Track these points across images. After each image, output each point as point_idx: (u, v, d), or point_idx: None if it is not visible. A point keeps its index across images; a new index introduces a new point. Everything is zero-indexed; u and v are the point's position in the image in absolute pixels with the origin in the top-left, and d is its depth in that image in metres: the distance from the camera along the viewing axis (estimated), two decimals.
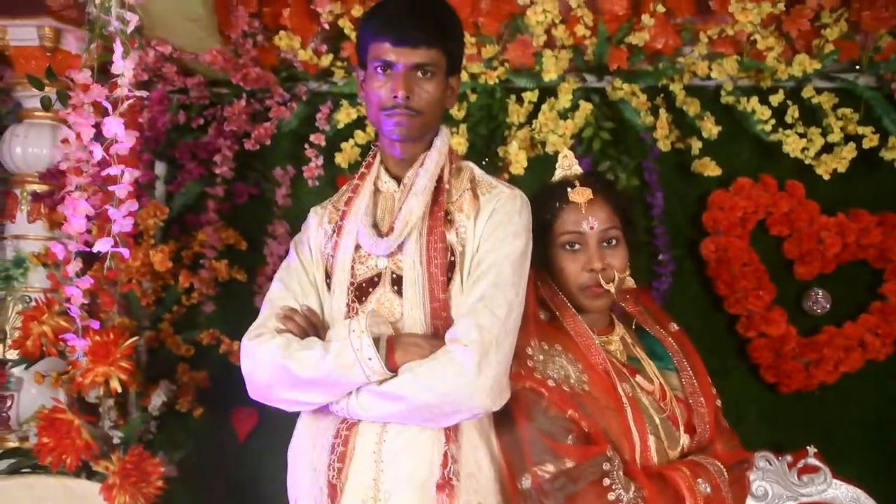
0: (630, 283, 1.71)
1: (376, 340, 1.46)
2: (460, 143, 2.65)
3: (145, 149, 2.70)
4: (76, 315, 1.94)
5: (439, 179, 1.61)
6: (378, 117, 1.58)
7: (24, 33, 2.59)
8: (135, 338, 2.22)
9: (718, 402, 1.71)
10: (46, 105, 2.24)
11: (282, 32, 2.71)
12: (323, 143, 2.75)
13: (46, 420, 2.14)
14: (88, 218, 1.87)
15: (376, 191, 1.65)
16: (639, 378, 1.63)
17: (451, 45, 1.60)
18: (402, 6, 1.56)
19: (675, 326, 1.78)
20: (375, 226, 1.60)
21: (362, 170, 1.69)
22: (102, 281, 2.26)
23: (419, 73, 1.54)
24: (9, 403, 2.55)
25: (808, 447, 2.38)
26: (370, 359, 1.44)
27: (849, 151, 2.60)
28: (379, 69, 1.55)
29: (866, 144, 2.61)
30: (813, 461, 2.39)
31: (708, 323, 2.68)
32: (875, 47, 2.64)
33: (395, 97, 1.53)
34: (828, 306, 2.68)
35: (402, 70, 1.53)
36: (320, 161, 2.75)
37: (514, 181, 2.52)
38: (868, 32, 2.65)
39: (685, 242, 2.72)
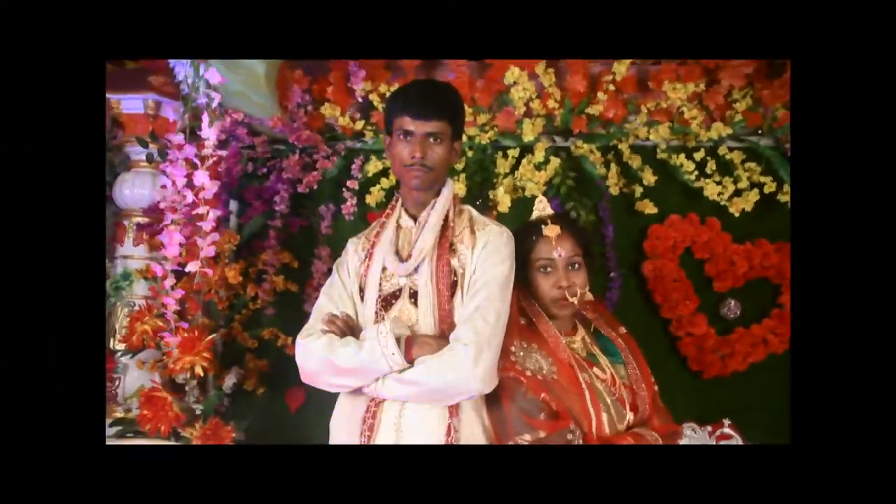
0: (589, 296, 1.72)
1: (398, 340, 1.48)
2: (460, 188, 2.63)
3: (222, 191, 2.66)
4: (171, 318, 1.95)
5: (445, 219, 1.62)
6: (401, 171, 1.60)
7: (132, 104, 2.63)
8: (213, 335, 2.21)
9: (656, 388, 1.71)
10: (150, 159, 2.26)
11: (326, 104, 2.72)
12: (356, 188, 2.74)
13: (146, 397, 2.14)
14: (180, 245, 1.88)
15: (398, 227, 1.66)
16: (595, 369, 1.64)
17: (455, 117, 1.62)
18: (419, 90, 1.61)
19: (623, 329, 1.79)
20: (398, 253, 1.61)
21: (388, 211, 1.70)
22: (190, 292, 2.25)
23: (431, 140, 1.57)
24: (116, 384, 2.57)
25: (723, 420, 2.37)
26: (393, 353, 1.47)
27: (754, 195, 2.59)
28: (401, 136, 1.58)
29: (766, 190, 2.61)
30: (727, 430, 2.38)
31: (648, 325, 2.64)
32: (773, 117, 2.64)
33: (414, 157, 1.55)
34: (739, 312, 2.65)
35: (418, 137, 1.55)
36: (354, 201, 2.73)
37: (501, 218, 2.55)
38: (768, 105, 2.65)
39: (631, 264, 2.69)
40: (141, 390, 2.23)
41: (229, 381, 2.52)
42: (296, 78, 2.71)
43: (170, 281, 1.95)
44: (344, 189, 2.75)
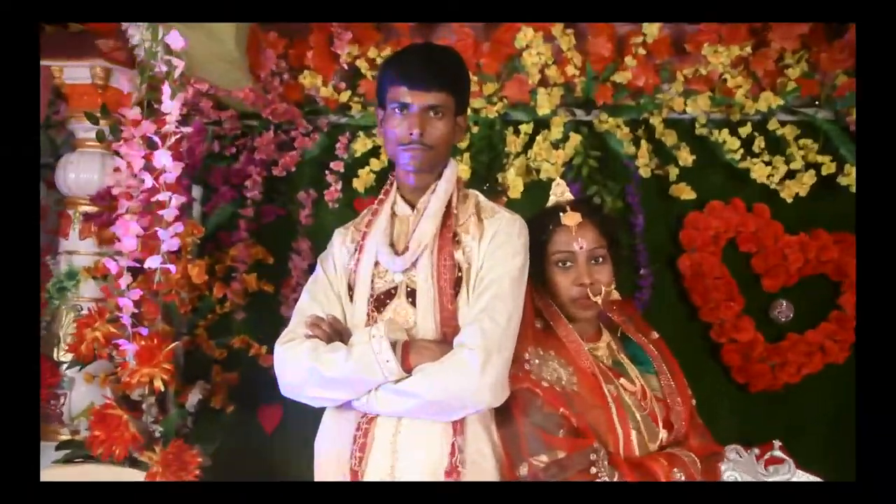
0: (615, 295, 1.75)
1: (393, 345, 1.51)
2: (464, 169, 2.66)
3: (184, 174, 2.64)
4: (128, 322, 1.98)
5: (448, 205, 1.65)
6: (396, 151, 1.63)
7: (77, 73, 2.63)
8: (175, 343, 2.23)
9: (693, 402, 1.75)
10: (101, 137, 2.29)
11: (306, 72, 2.74)
12: (342, 170, 2.77)
13: (98, 415, 2.15)
14: (137, 237, 1.91)
15: (393, 215, 1.69)
16: (622, 380, 1.67)
17: (459, 88, 1.65)
18: (417, 56, 1.63)
19: (655, 334, 1.82)
20: (392, 245, 1.64)
21: (380, 196, 1.73)
22: (148, 292, 2.24)
23: (431, 114, 1.59)
24: (62, 401, 2.57)
25: (773, 441, 2.39)
26: (388, 360, 1.49)
27: (809, 178, 2.62)
28: (397, 110, 1.60)
29: (825, 171, 2.63)
30: (778, 453, 2.30)
31: (684, 330, 2.68)
32: (832, 85, 2.65)
33: (411, 134, 1.58)
34: (791, 315, 2.68)
35: (416, 111, 1.58)
36: (339, 185, 2.76)
37: (511, 204, 2.53)
38: (826, 72, 2.66)
39: (664, 258, 2.72)
40: (91, 408, 2.26)
41: (193, 397, 2.53)
42: (269, 41, 2.72)
43: (125, 280, 1.97)
44: (327, 172, 2.78)
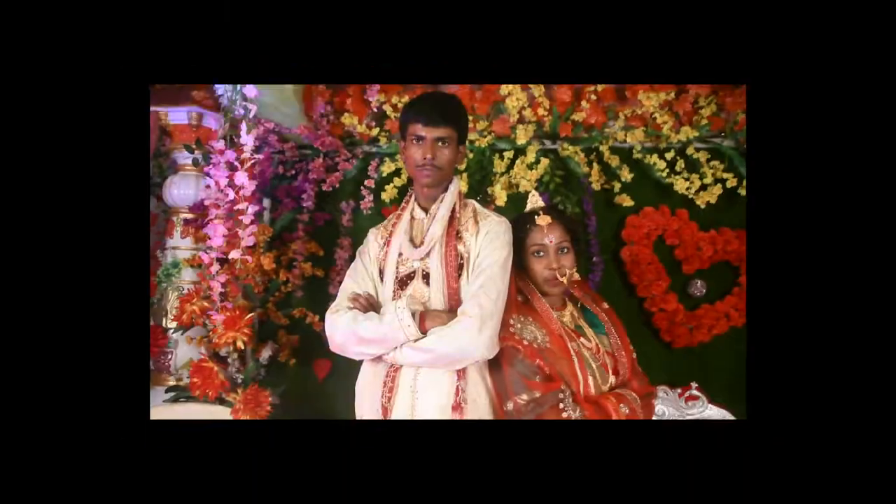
0: (576, 277, 1.70)
1: (413, 314, 1.49)
2: (464, 185, 2.62)
3: (257, 190, 2.62)
4: (216, 299, 1.97)
5: (453, 211, 1.62)
6: (414, 171, 1.61)
7: (178, 116, 2.65)
8: (251, 314, 2.21)
9: (634, 355, 1.70)
10: (196, 163, 2.26)
11: (346, 114, 2.72)
12: (373, 186, 2.74)
13: (196, 367, 2.15)
14: (223, 236, 1.89)
15: (412, 218, 1.66)
16: (582, 339, 1.63)
17: (460, 124, 1.63)
18: (429, 100, 1.61)
19: (605, 305, 1.77)
20: (412, 240, 1.62)
21: (403, 205, 1.70)
22: (232, 277, 2.26)
23: (440, 143, 1.57)
24: (169, 357, 2.58)
25: (692, 383, 2.38)
26: (409, 325, 1.47)
27: (717, 189, 2.58)
28: (414, 140, 1.58)
29: (729, 185, 2.58)
30: (695, 392, 2.34)
31: (626, 303, 2.64)
32: (734, 121, 2.62)
33: (426, 158, 1.56)
34: (704, 291, 2.64)
35: (429, 141, 1.56)
36: (371, 198, 2.73)
37: (498, 210, 2.40)
38: (730, 111, 2.63)
39: (611, 250, 2.68)
40: (191, 362, 2.26)
41: (265, 353, 2.53)
42: (319, 92, 2.71)
43: (214, 267, 1.96)
44: (362, 187, 2.75)
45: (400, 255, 1.61)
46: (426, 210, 1.64)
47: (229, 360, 2.41)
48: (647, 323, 2.67)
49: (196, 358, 2.32)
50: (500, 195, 2.63)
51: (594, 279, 2.60)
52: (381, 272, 1.64)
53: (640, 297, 2.66)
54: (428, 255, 1.58)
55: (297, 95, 2.47)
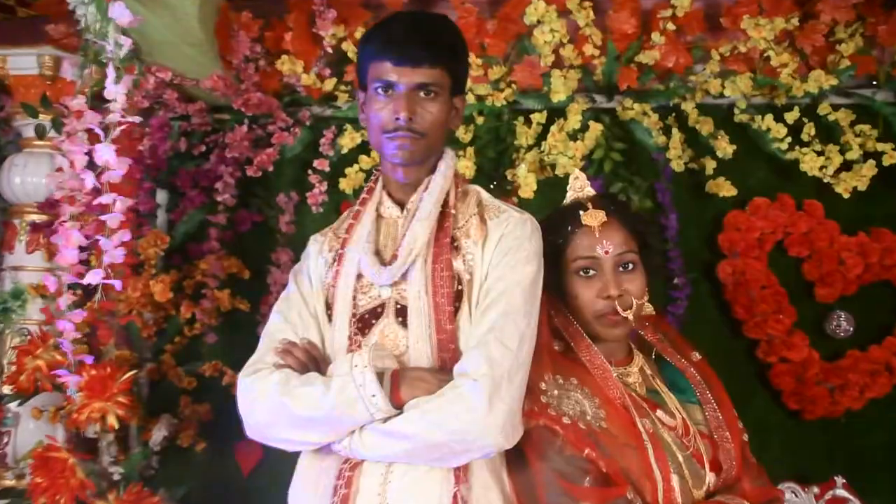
0: (649, 309, 1.64)
1: (380, 375, 1.39)
2: (467, 166, 2.60)
3: (147, 177, 2.66)
4: (68, 350, 1.85)
5: (445, 204, 1.54)
6: (380, 140, 1.51)
7: (23, 62, 2.54)
8: (133, 371, 2.13)
9: (745, 437, 1.62)
10: (41, 133, 2.19)
11: (284, 57, 2.66)
12: (327, 169, 2.71)
13: (39, 459, 2.05)
14: (82, 249, 1.78)
15: (379, 217, 1.58)
16: (660, 412, 1.55)
17: (455, 64, 1.53)
18: (403, 25, 1.50)
19: (697, 356, 1.70)
20: (378, 253, 1.53)
21: (364, 195, 1.62)
22: (101, 313, 2.16)
23: (422, 94, 1.48)
24: (5, 440, 2.48)
25: (835, 477, 2.30)
26: (373, 395, 1.37)
27: (868, 169, 2.54)
28: (380, 90, 1.49)
29: (886, 161, 2.55)
30: (842, 492, 2.34)
31: (726, 348, 2.61)
32: (892, 62, 2.59)
33: (397, 119, 1.46)
34: (851, 329, 2.60)
35: (403, 91, 1.46)
36: (324, 187, 2.70)
37: (523, 205, 2.48)
38: (885, 47, 2.59)
39: (701, 265, 2.65)
40: (35, 449, 2.13)
41: (157, 434, 2.50)
42: (242, 22, 2.64)
43: (67, 299, 1.84)
44: (310, 171, 2.72)
45: (359, 278, 1.53)
46: (402, 204, 1.57)
47: (100, 446, 2.35)
48: (761, 380, 2.63)
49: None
50: (527, 181, 2.59)
51: (676, 312, 2.56)
52: (328, 306, 1.57)
53: (750, 340, 2.62)
54: (404, 277, 1.49)
55: (204, 27, 2.36)
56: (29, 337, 2.36)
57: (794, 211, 2.60)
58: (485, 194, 1.60)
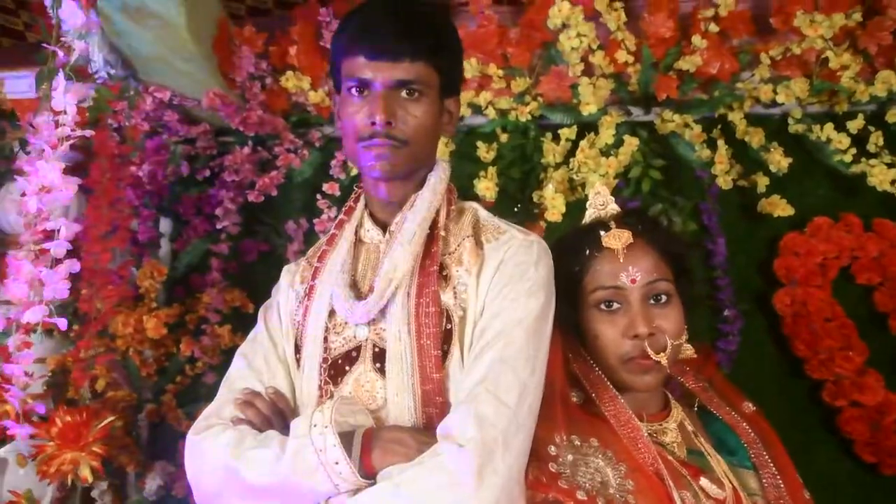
0: (689, 351, 1.41)
1: (348, 436, 1.16)
2: (489, 187, 2.42)
3: (147, 204, 2.49)
4: (14, 399, 1.65)
5: (433, 225, 1.31)
6: (355, 150, 1.29)
7: (19, 85, 2.54)
8: (110, 418, 1.98)
9: None
10: (7, 154, 2.01)
11: (289, 73, 2.51)
12: (338, 193, 2.53)
13: None
14: (32, 283, 1.57)
15: (358, 242, 1.36)
16: (704, 481, 1.30)
17: (444, 58, 1.30)
18: (378, 12, 1.28)
19: (750, 406, 1.48)
20: (355, 285, 1.30)
21: (341, 216, 1.41)
22: (89, 352, 2.06)
23: (403, 94, 1.26)
24: None
25: None
26: (337, 462, 1.13)
27: None
28: (353, 91, 1.27)
29: None
30: None
31: (785, 391, 2.37)
32: None
33: (373, 123, 1.24)
34: None
35: (380, 90, 1.25)
36: (333, 213, 2.51)
37: (551, 229, 2.37)
38: None
39: (754, 295, 2.44)
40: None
41: (152, 483, 2.36)
42: (245, 37, 2.50)
43: (15, 339, 1.64)
44: (319, 196, 2.57)
45: (332, 315, 1.33)
46: (384, 227, 1.36)
47: (95, 496, 2.28)
48: (827, 428, 2.37)
49: (38, 490, 2.12)
50: (555, 203, 2.42)
51: (726, 349, 2.37)
52: (297, 349, 1.36)
53: (814, 381, 2.38)
54: (383, 314, 1.28)
55: (198, 40, 2.21)
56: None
57: (861, 232, 2.39)
58: (483, 213, 1.37)
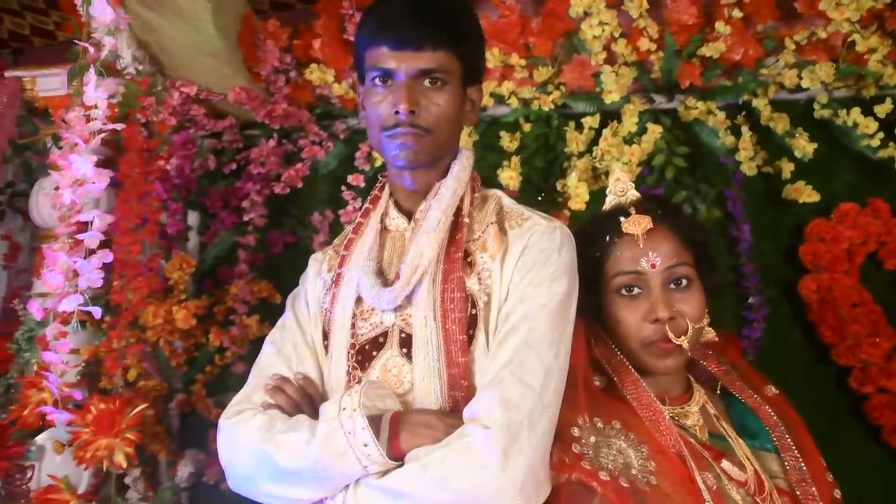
0: (710, 335, 1.44)
1: (376, 419, 1.20)
2: (512, 177, 2.44)
3: (175, 197, 2.55)
4: (53, 385, 1.70)
5: (458, 213, 1.34)
6: (380, 140, 1.33)
7: (51, 83, 2.56)
8: (142, 406, 2.01)
9: (837, 493, 1.41)
10: (40, 150, 2.06)
11: (314, 66, 2.54)
12: (362, 185, 2.57)
13: (40, 500, 1.96)
14: (65, 273, 1.63)
15: (384, 230, 1.40)
16: (726, 463, 1.33)
17: (467, 47, 1.33)
18: (400, 3, 1.31)
19: (773, 390, 1.49)
20: (381, 273, 1.34)
21: (367, 205, 1.44)
22: (121, 343, 2.10)
23: (426, 83, 1.29)
24: (29, 475, 2.37)
25: None
26: (366, 445, 1.17)
27: None
28: (377, 81, 1.31)
29: None
30: None
31: (812, 377, 2.37)
32: None
33: (397, 112, 1.27)
34: None
35: (404, 79, 1.28)
36: (358, 204, 2.55)
37: (575, 218, 2.39)
38: None
39: (780, 282, 2.44)
40: (37, 491, 2.07)
41: (184, 470, 2.41)
42: (269, 31, 2.55)
43: (53, 328, 1.69)
44: (344, 188, 2.60)
45: (359, 302, 1.36)
46: (409, 215, 1.39)
47: (128, 483, 2.31)
48: (855, 413, 2.37)
49: (76, 477, 2.16)
50: (579, 192, 2.43)
51: (752, 336, 2.37)
52: (325, 335, 1.41)
53: (841, 367, 2.38)
54: (409, 300, 1.31)
55: (223, 33, 2.25)
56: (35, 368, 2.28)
57: (889, 217, 2.38)
58: (507, 200, 1.39)
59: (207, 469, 2.41)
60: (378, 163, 2.53)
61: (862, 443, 2.32)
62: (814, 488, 1.34)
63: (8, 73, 2.51)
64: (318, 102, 2.62)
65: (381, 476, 1.18)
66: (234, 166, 2.61)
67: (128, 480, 2.35)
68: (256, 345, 2.47)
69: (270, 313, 2.52)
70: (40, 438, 2.37)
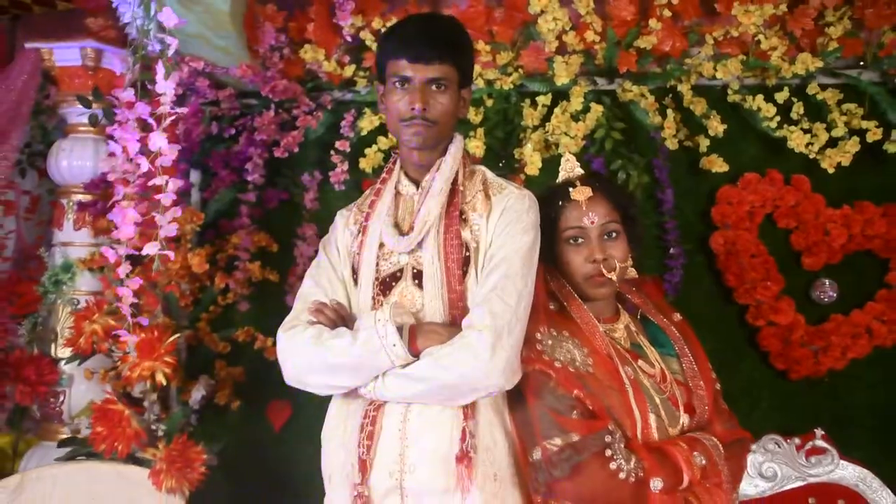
0: (632, 273, 1.80)
1: (399, 329, 1.58)
2: (478, 146, 2.74)
3: (181, 158, 2.77)
4: (127, 313, 2.07)
5: (454, 182, 1.73)
6: (398, 127, 1.72)
7: (68, 54, 2.77)
8: (177, 335, 2.32)
9: (718, 386, 1.78)
10: (94, 122, 2.39)
11: (307, 46, 2.82)
12: (348, 149, 2.85)
13: (100, 411, 2.24)
14: (136, 224, 2.01)
15: (397, 194, 1.78)
16: (641, 362, 1.72)
17: (462, 60, 1.73)
18: (416, 27, 1.71)
19: (678, 316, 1.87)
20: (397, 226, 1.73)
21: (384, 175, 1.82)
22: (147, 283, 2.31)
23: (434, 87, 1.68)
24: (61, 399, 2.72)
25: (815, 430, 2.35)
26: (394, 345, 1.56)
27: (852, 145, 2.64)
28: (397, 84, 1.69)
29: (870, 138, 2.65)
30: (820, 443, 2.32)
31: (718, 313, 2.73)
32: (878, 43, 2.67)
33: (413, 109, 1.66)
34: (835, 295, 2.72)
35: (418, 84, 1.66)
36: (345, 166, 2.84)
37: (529, 181, 2.65)
38: (871, 29, 2.68)
39: (695, 236, 2.76)
40: (93, 403, 2.35)
41: (196, 394, 2.64)
42: (268, 14, 2.82)
43: (124, 268, 2.07)
44: (332, 152, 2.86)
45: (381, 246, 1.73)
46: (417, 182, 1.76)
47: (146, 403, 2.49)
48: (750, 342, 2.76)
49: (97, 401, 2.40)
50: (533, 160, 2.74)
51: (671, 280, 2.70)
52: (354, 271, 1.77)
53: (741, 305, 2.75)
54: (420, 245, 1.69)
55: (234, 20, 2.58)
56: (82, 305, 2.59)
57: (782, 185, 2.70)
58: (489, 174, 1.80)
59: (217, 392, 2.70)
60: (364, 132, 2.83)
61: (755, 366, 2.71)
62: (701, 381, 1.72)
63: (28, 45, 2.74)
64: (308, 77, 2.87)
65: (403, 367, 1.55)
66: (232, 131, 2.88)
67: (145, 404, 2.48)
68: (258, 286, 2.84)
69: (269, 260, 2.84)
70: (69, 367, 2.66)
